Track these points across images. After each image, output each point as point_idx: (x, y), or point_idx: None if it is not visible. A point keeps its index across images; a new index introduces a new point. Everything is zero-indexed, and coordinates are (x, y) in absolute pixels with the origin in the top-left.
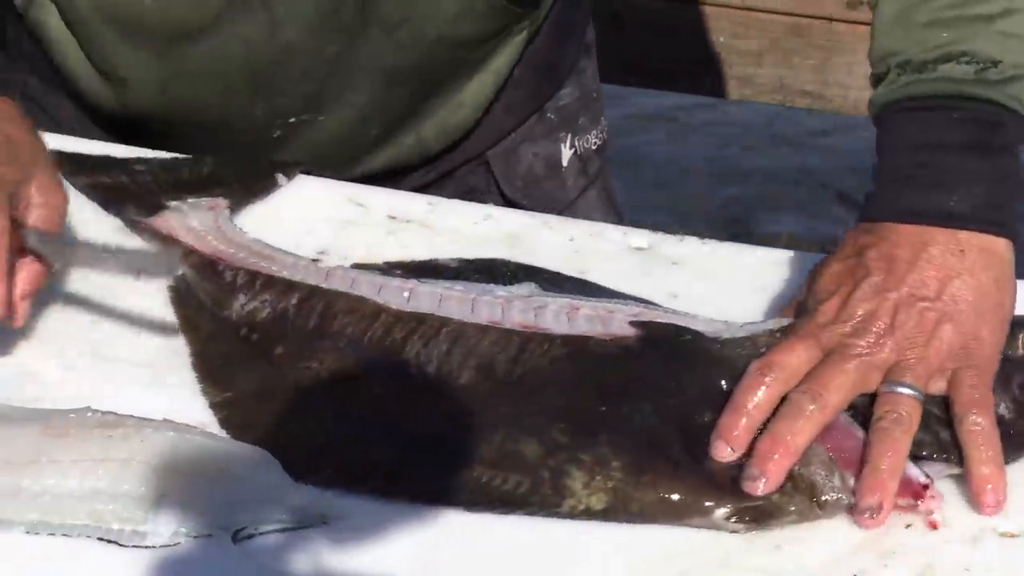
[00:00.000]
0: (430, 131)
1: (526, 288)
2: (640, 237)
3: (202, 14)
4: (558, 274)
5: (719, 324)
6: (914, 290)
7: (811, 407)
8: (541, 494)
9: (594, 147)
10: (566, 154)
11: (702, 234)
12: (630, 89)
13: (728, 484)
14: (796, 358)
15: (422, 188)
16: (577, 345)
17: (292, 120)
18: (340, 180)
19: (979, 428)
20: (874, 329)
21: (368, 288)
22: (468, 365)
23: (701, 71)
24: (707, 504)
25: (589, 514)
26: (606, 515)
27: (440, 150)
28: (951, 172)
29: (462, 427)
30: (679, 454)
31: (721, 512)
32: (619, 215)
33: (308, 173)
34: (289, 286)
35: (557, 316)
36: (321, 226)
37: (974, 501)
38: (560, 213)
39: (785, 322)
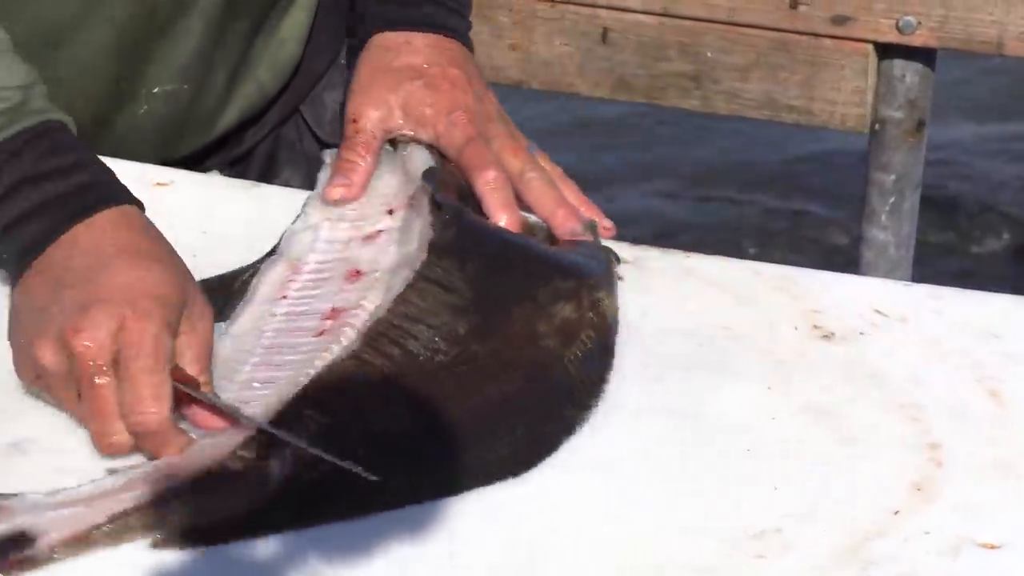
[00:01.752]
0: (266, 73)
1: None
2: (624, 249)
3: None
4: None
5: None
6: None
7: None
8: None
9: None
10: None
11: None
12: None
13: None
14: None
15: (255, 147)
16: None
17: (156, 90)
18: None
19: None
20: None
21: None
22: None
23: (689, 86)
24: None
25: None
26: None
27: (275, 93)
28: None
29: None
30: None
31: None
32: None
33: None
34: None
35: None
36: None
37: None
38: None
39: None
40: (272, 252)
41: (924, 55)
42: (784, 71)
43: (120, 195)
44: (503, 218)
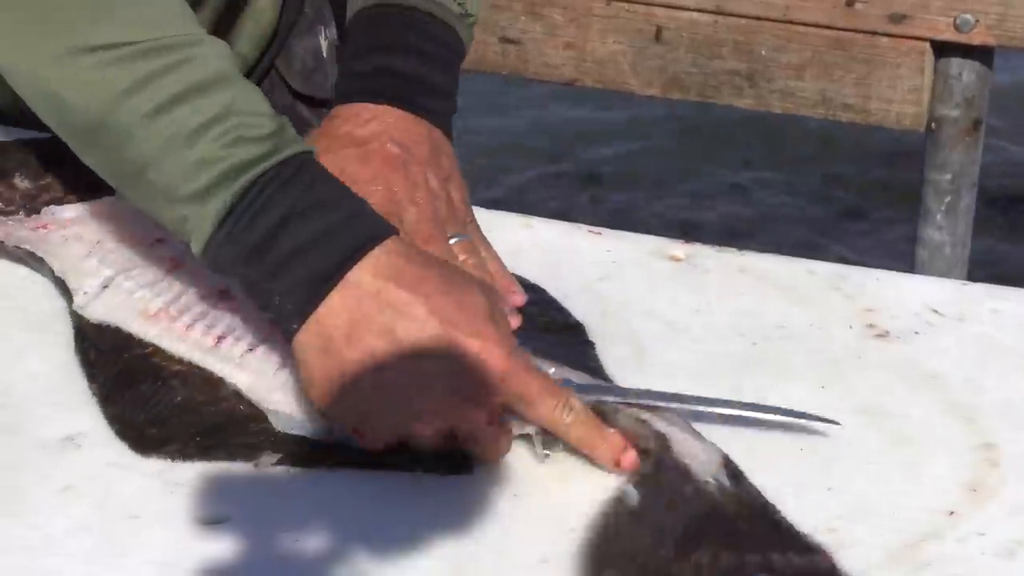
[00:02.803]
0: (246, 45)
1: None
2: (677, 248)
3: None
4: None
5: None
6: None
7: None
8: None
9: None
10: (324, 45)
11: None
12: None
13: None
14: None
15: None
16: None
17: None
18: None
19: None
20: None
21: None
22: None
23: (743, 84)
24: None
25: None
26: None
27: (255, 60)
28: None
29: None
30: None
31: None
32: None
33: None
34: None
35: None
36: None
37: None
38: (327, 101)
39: None
40: (84, 339)
41: (981, 53)
42: (840, 69)
43: (385, 226)
44: None
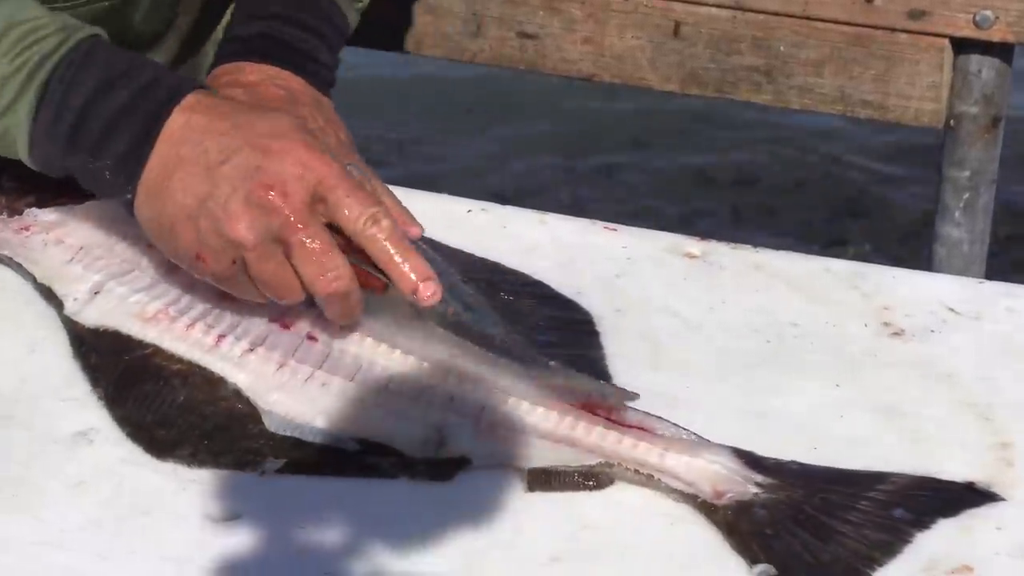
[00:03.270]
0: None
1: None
2: (692, 244)
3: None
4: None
5: None
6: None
7: None
8: None
9: None
10: None
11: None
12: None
13: None
14: None
15: None
16: None
17: None
18: None
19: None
20: None
21: None
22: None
23: (762, 80)
24: None
25: None
26: None
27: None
28: None
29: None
30: None
31: None
32: None
33: None
34: None
35: None
36: None
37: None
38: None
39: None
40: (82, 344)
41: (1001, 50)
42: (858, 66)
43: (186, 81)
44: None
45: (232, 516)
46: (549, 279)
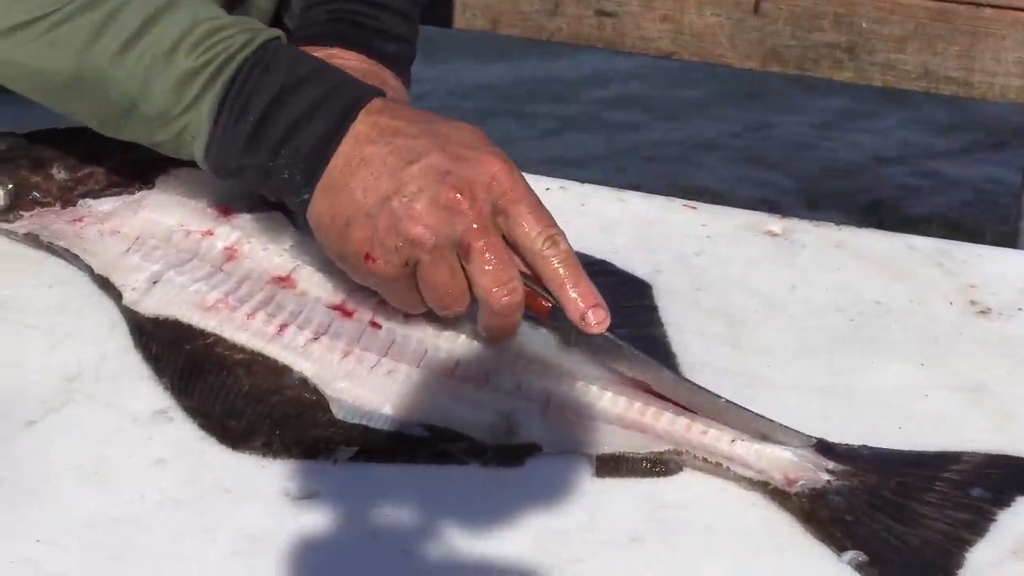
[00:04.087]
0: None
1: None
2: (773, 222)
3: None
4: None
5: None
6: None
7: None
8: None
9: None
10: None
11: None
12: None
13: None
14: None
15: None
16: None
17: None
18: None
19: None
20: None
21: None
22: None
23: (843, 57)
24: None
25: None
26: None
27: None
28: None
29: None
30: None
31: None
32: None
33: None
34: None
35: None
36: None
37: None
38: None
39: None
40: (142, 333)
41: None
42: (942, 42)
43: (372, 88)
44: None
45: (310, 494)
46: (627, 256)
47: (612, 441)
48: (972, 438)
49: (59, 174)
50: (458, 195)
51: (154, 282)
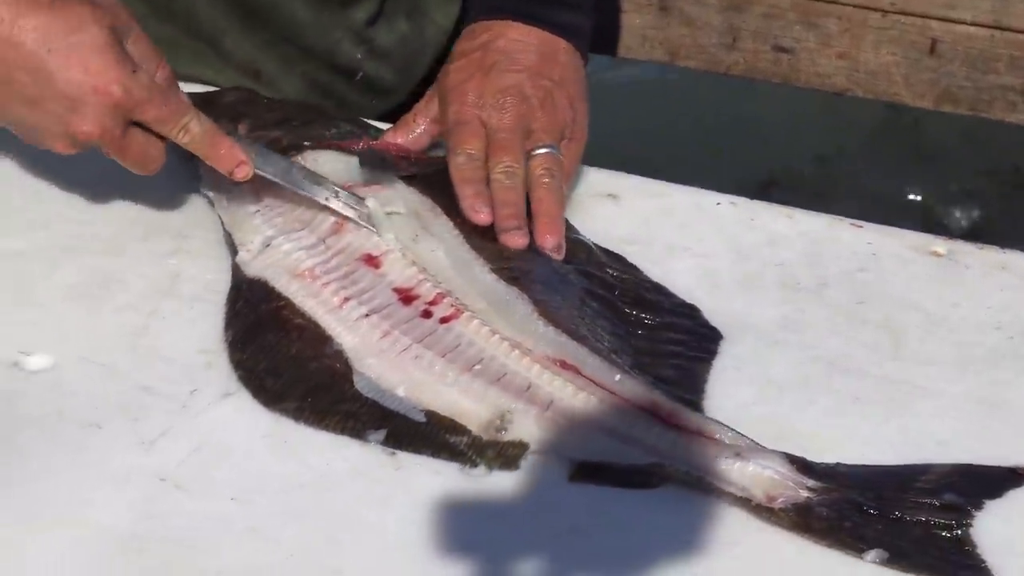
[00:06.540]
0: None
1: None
2: (938, 243)
3: None
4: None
5: None
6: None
7: (512, 181)
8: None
9: None
10: None
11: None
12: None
13: None
14: (479, 142)
15: None
16: None
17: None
18: None
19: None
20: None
21: None
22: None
23: (1017, 100)
24: None
25: None
26: None
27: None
28: None
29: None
30: None
31: None
32: None
33: None
34: None
35: None
36: None
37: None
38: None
39: None
40: (239, 291)
41: None
42: None
43: None
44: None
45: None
46: (793, 270)
47: (599, 448)
48: None
49: (243, 131)
50: (76, 121)
51: (266, 245)
